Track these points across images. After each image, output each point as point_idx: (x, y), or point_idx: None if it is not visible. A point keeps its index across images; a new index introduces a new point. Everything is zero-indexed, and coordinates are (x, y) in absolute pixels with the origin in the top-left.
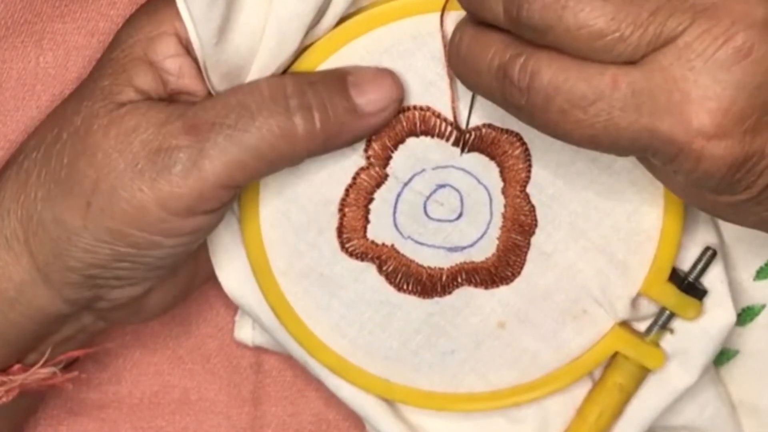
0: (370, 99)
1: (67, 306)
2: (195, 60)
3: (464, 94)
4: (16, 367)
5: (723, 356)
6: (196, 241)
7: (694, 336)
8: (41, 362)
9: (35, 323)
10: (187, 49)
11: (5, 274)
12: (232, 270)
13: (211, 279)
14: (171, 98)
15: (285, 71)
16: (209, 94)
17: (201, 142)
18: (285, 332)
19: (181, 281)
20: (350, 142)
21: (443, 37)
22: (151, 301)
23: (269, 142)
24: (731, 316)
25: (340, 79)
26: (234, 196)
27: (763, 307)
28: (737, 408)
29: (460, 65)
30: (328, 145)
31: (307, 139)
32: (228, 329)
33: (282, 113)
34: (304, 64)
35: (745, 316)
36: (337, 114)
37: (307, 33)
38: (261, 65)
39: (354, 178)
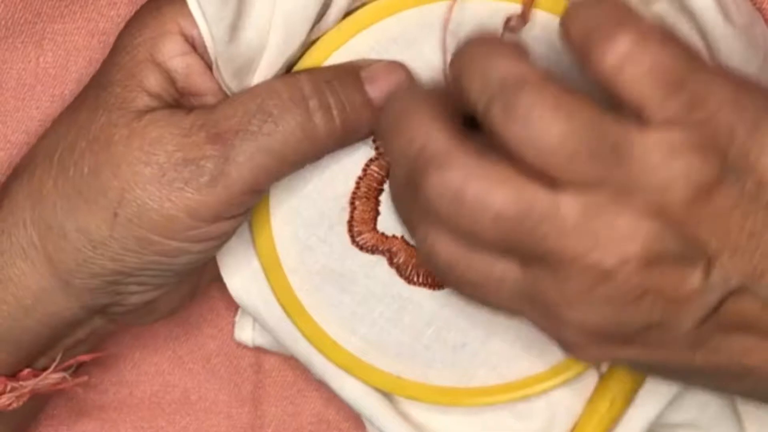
0: (385, 93)
1: (83, 311)
2: (201, 57)
3: None
4: (26, 371)
5: None
6: (221, 245)
7: None
8: (52, 367)
9: (49, 329)
10: (193, 46)
11: (22, 282)
12: (237, 271)
13: (216, 279)
14: (181, 97)
15: (293, 65)
16: (218, 91)
17: (226, 150)
18: (289, 333)
19: (189, 282)
20: (367, 136)
21: (445, 28)
22: (161, 303)
23: (293, 144)
24: None
25: (353, 74)
26: (259, 199)
27: None
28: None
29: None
30: (347, 140)
31: (328, 137)
32: (228, 329)
33: (302, 114)
34: (314, 57)
35: None
36: (354, 110)
37: (313, 27)
38: (270, 60)
39: (364, 170)
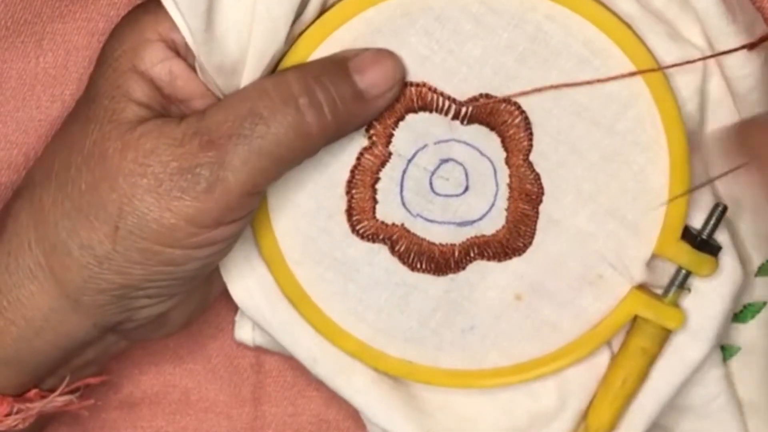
0: (374, 82)
1: (96, 330)
2: (185, 61)
3: (460, 68)
4: (33, 392)
5: (725, 353)
6: (228, 248)
7: (705, 299)
8: (59, 390)
9: (60, 349)
10: (176, 51)
11: (31, 303)
12: (240, 276)
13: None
14: (169, 104)
15: (280, 59)
16: (206, 93)
17: (221, 156)
18: (292, 334)
19: (198, 294)
20: (361, 126)
21: None
22: (172, 316)
23: (286, 144)
24: (739, 275)
25: (341, 67)
26: (259, 201)
27: (765, 304)
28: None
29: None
30: (340, 133)
31: (321, 134)
32: (228, 329)
33: (294, 114)
34: (299, 51)
35: (747, 312)
36: (345, 103)
37: (295, 21)
38: (256, 54)
39: (358, 159)
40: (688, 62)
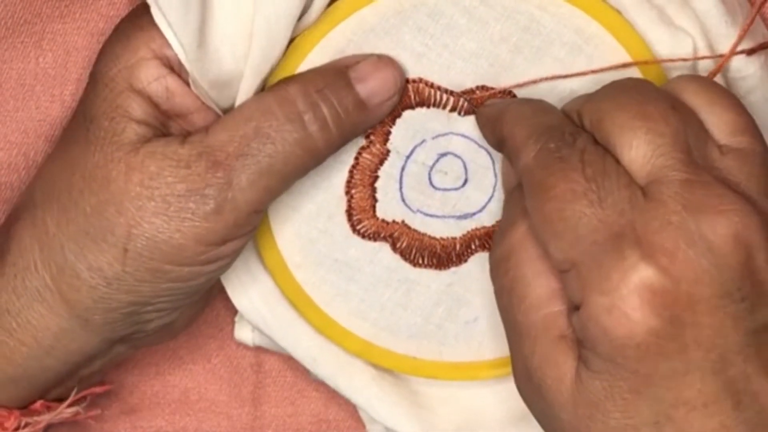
0: (375, 91)
1: (105, 343)
2: (180, 77)
3: (455, 62)
4: (39, 404)
5: None
6: (233, 261)
7: None
8: (66, 403)
9: (69, 364)
10: (171, 67)
11: (41, 324)
12: (242, 285)
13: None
14: (168, 120)
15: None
16: (202, 107)
17: (228, 176)
18: (294, 337)
19: (203, 298)
20: (363, 132)
21: None
22: (177, 322)
23: (293, 161)
24: None
25: (342, 77)
26: (263, 215)
27: None
28: None
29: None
30: (344, 143)
31: (326, 146)
32: (228, 329)
33: (299, 131)
34: (295, 54)
35: None
36: (348, 114)
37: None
38: (254, 68)
39: (356, 159)
40: (684, 59)
